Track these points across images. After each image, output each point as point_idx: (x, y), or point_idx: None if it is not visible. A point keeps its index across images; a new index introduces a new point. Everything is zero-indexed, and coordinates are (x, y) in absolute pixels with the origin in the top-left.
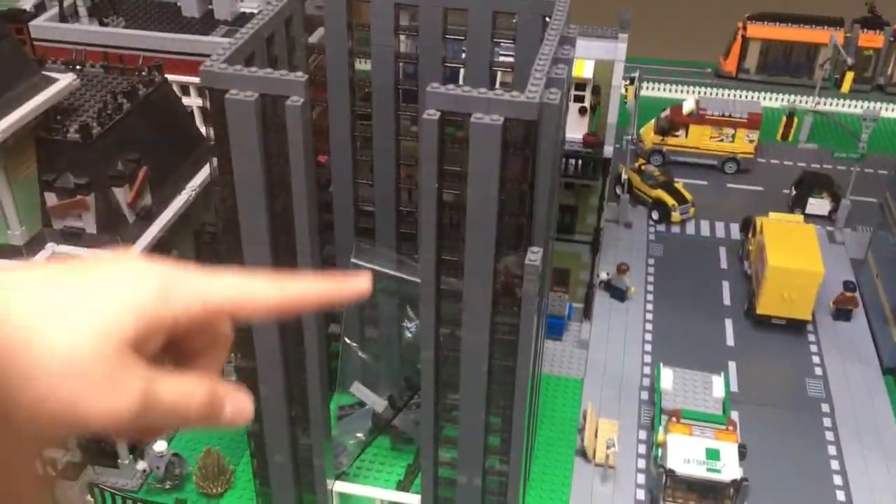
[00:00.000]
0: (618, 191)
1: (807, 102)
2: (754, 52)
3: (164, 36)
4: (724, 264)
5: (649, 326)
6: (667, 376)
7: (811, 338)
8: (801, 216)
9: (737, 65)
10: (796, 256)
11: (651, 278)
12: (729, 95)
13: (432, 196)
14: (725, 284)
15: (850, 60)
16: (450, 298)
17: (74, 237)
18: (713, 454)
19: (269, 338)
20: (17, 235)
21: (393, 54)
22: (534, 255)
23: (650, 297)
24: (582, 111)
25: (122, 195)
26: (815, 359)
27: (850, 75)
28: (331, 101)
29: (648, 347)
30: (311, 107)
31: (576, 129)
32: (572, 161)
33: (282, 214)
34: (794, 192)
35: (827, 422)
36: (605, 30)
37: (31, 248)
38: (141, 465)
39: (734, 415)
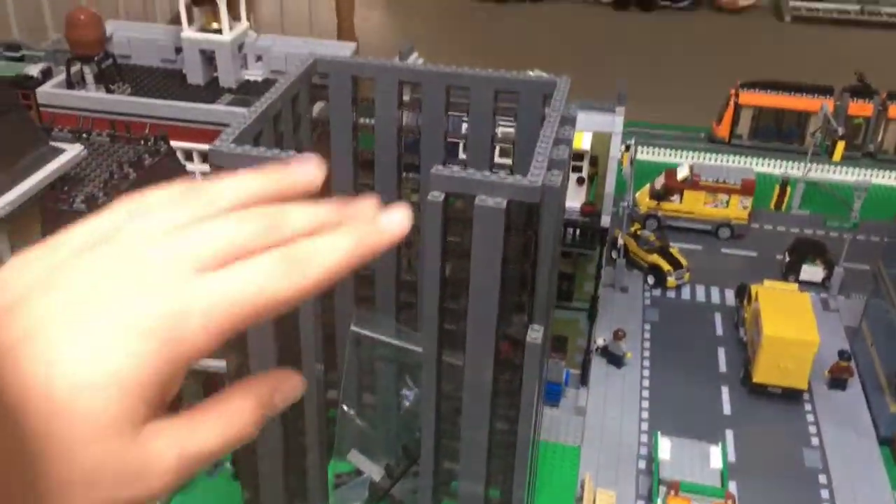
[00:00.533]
0: (614, 255)
1: (798, 170)
2: (746, 118)
3: (170, 104)
4: (719, 331)
5: (646, 393)
6: (664, 446)
7: (807, 407)
8: (796, 284)
9: (730, 130)
10: (792, 325)
11: (647, 343)
12: (723, 161)
13: (435, 274)
14: (721, 351)
15: (840, 130)
16: (451, 371)
17: None
18: None
19: None
20: None
21: (396, 128)
22: (535, 334)
23: (646, 362)
24: (580, 181)
25: None
26: (812, 428)
27: (840, 144)
28: (333, 173)
29: (645, 415)
30: None
31: (574, 199)
32: (570, 230)
33: None
34: (787, 259)
35: (825, 493)
36: (602, 103)
37: None
38: None
39: (732, 486)
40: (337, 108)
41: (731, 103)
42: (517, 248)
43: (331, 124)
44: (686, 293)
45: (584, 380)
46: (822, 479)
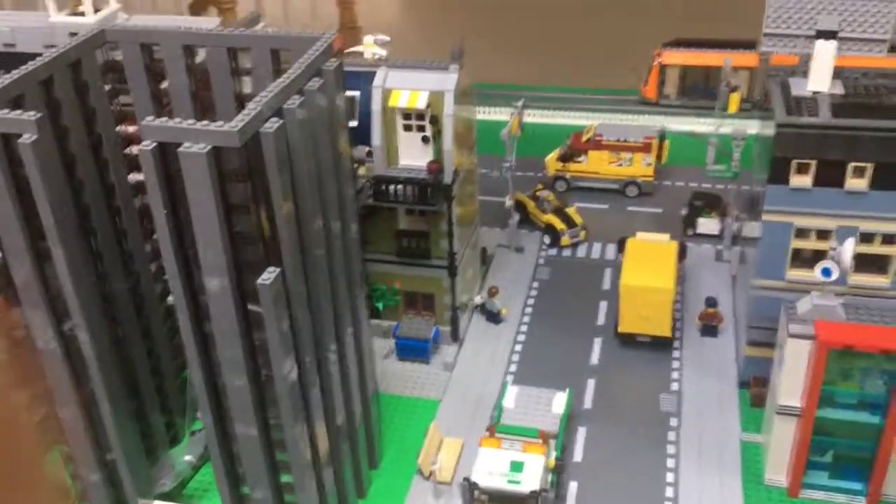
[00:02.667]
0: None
1: (713, 126)
2: (673, 77)
3: None
4: (606, 285)
5: (518, 348)
6: (511, 394)
7: (675, 354)
8: (667, 235)
9: (657, 91)
10: (648, 274)
11: (532, 301)
12: (649, 121)
13: (163, 223)
14: (603, 305)
15: (731, 82)
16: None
17: None
18: (517, 466)
19: (54, 363)
20: None
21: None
22: (267, 275)
23: (526, 318)
24: (425, 140)
25: None
26: (675, 374)
27: (734, 96)
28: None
29: (514, 368)
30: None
31: (420, 158)
32: (412, 188)
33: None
34: (684, 213)
35: (671, 435)
36: (437, 62)
37: None
38: None
39: (581, 431)
40: (132, 75)
41: (656, 64)
42: (243, 194)
43: (130, 91)
44: (582, 251)
45: (454, 336)
46: (674, 421)
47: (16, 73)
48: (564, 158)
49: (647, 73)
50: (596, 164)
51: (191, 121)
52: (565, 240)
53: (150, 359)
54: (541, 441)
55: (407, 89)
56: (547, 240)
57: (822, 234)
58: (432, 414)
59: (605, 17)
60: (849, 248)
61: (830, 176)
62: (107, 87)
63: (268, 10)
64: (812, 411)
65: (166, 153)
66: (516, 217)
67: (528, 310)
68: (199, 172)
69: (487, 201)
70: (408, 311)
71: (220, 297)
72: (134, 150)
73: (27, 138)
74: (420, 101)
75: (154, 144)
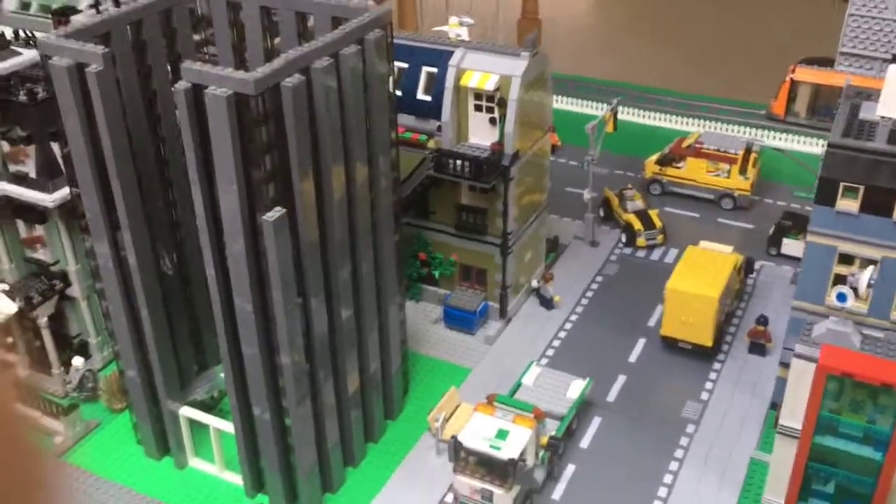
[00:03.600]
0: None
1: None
2: (804, 95)
3: None
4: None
5: (562, 335)
6: (532, 372)
7: (716, 366)
8: (731, 248)
9: (785, 108)
10: (696, 281)
11: (590, 293)
12: (775, 138)
13: (192, 159)
14: (659, 308)
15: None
16: None
17: (20, 179)
18: (502, 434)
19: (110, 279)
20: None
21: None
22: (273, 213)
23: (579, 309)
24: (492, 121)
25: (58, 149)
26: (708, 384)
27: None
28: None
29: (550, 352)
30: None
31: (487, 138)
32: (467, 163)
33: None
34: (771, 232)
35: (684, 441)
36: (512, 48)
37: None
38: (69, 377)
39: (596, 420)
40: (218, 30)
41: (788, 80)
42: (261, 140)
43: (216, 43)
44: (657, 254)
45: (501, 313)
46: (690, 428)
47: (106, 14)
48: (663, 162)
49: (777, 89)
50: (693, 172)
51: (220, 67)
52: (641, 241)
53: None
54: (532, 416)
55: (479, 71)
56: (624, 238)
57: (866, 262)
58: (461, 380)
59: (752, 27)
60: (866, 276)
61: (879, 203)
62: (196, 38)
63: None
64: (808, 435)
65: (199, 95)
66: (594, 211)
67: (584, 301)
68: (220, 113)
69: (572, 192)
70: (462, 283)
71: (231, 223)
72: None
73: (93, 68)
74: (489, 84)
75: (189, 85)
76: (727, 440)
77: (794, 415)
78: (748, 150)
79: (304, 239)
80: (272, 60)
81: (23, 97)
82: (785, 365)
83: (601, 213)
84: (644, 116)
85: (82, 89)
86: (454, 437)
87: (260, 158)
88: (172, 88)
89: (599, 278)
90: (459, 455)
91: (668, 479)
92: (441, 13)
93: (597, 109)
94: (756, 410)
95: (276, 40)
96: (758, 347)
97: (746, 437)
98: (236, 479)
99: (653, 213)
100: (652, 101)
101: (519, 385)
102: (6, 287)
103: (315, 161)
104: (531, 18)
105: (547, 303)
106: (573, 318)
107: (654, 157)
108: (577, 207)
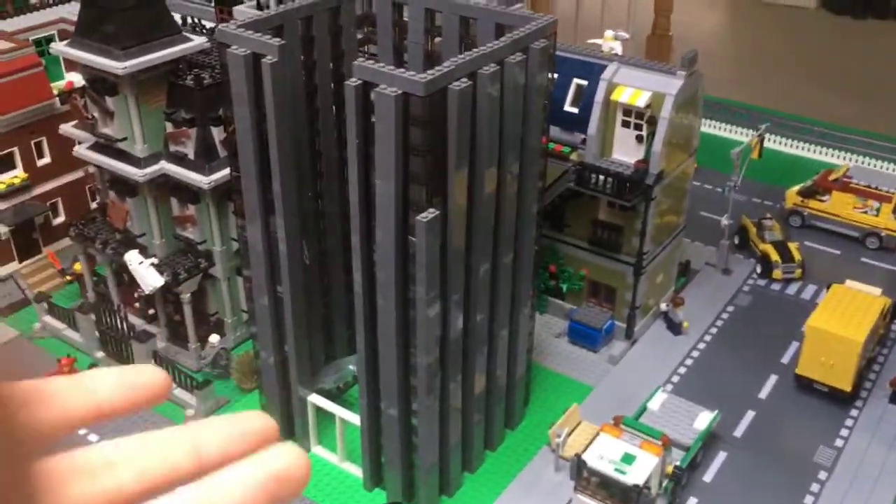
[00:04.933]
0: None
1: None
2: None
3: None
4: (804, 327)
5: (689, 362)
6: (658, 399)
7: (853, 413)
8: (879, 290)
9: None
10: (841, 321)
11: (720, 322)
12: None
13: (353, 152)
14: (794, 346)
15: None
16: None
17: (179, 160)
18: (628, 459)
19: (258, 262)
20: (138, 149)
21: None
22: (427, 215)
23: (707, 338)
24: (639, 139)
25: (217, 134)
26: (844, 431)
27: None
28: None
29: (675, 378)
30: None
31: (632, 155)
32: (608, 179)
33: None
34: None
35: (815, 487)
36: (667, 66)
37: (147, 162)
38: (204, 352)
39: (721, 455)
40: (381, 29)
41: None
42: (424, 140)
43: (378, 42)
44: (792, 289)
45: (628, 334)
46: (822, 475)
47: (282, 7)
48: (806, 194)
49: None
50: (838, 207)
51: (391, 67)
52: (777, 273)
53: (346, 276)
54: (660, 444)
55: (631, 87)
56: (759, 269)
57: None
58: (581, 397)
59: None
60: None
61: None
62: (359, 35)
63: (587, 7)
64: None
65: (368, 93)
66: (730, 238)
67: (713, 330)
68: (387, 111)
69: (707, 217)
70: (589, 300)
71: (387, 224)
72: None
73: (269, 59)
74: (640, 100)
75: (359, 82)
76: (861, 493)
77: None
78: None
79: (451, 240)
80: (435, 63)
81: (189, 81)
82: None
83: (736, 241)
84: (786, 145)
85: (255, 78)
86: (578, 456)
87: (419, 158)
88: (344, 84)
89: (731, 308)
90: (582, 474)
91: None
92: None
93: (735, 133)
94: (894, 464)
95: (437, 40)
96: None
97: (882, 491)
98: (356, 470)
99: (792, 246)
100: (796, 129)
101: (644, 409)
102: (156, 261)
103: (470, 165)
104: (662, 35)
105: (675, 327)
106: (700, 345)
107: (797, 188)
108: (711, 233)
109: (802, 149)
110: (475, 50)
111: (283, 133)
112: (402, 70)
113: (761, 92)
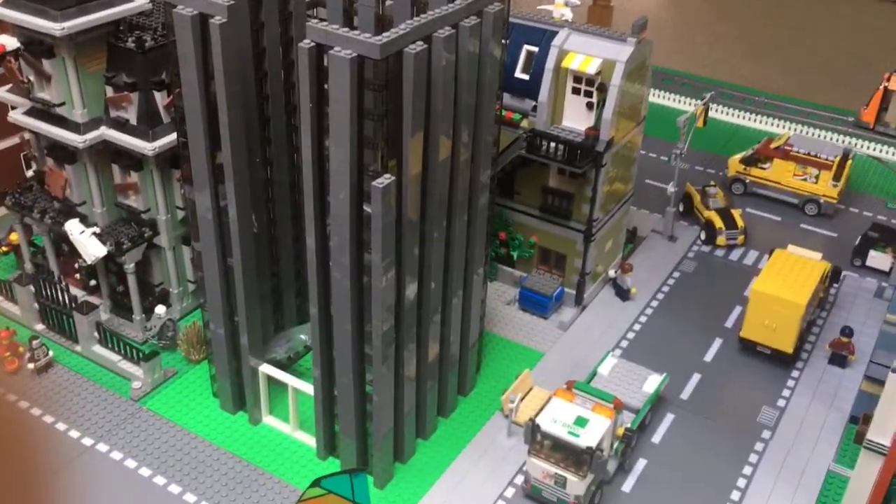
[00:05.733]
0: (679, 207)
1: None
2: None
3: None
4: (748, 292)
5: (637, 327)
6: (608, 363)
7: (794, 374)
8: (819, 255)
9: (875, 116)
10: (783, 285)
11: (666, 288)
12: (862, 147)
13: (307, 117)
14: (737, 310)
15: None
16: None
17: (121, 125)
18: (581, 421)
19: (207, 231)
20: (77, 114)
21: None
22: (382, 180)
23: (654, 303)
24: (589, 105)
25: (160, 98)
26: (786, 392)
27: None
28: None
29: (624, 343)
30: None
31: (582, 122)
32: (559, 146)
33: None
34: (857, 242)
35: (759, 446)
36: (618, 33)
37: (87, 127)
38: (150, 324)
39: (669, 416)
40: None
41: (881, 88)
42: (379, 105)
43: (326, 5)
44: (735, 255)
45: (578, 300)
46: (766, 434)
47: None
48: (748, 162)
49: (870, 97)
50: (779, 174)
51: (345, 28)
52: (721, 240)
53: (295, 245)
54: (612, 406)
55: (582, 53)
56: (703, 236)
57: None
58: (532, 363)
59: (847, 34)
60: None
61: None
62: None
63: None
64: None
65: (321, 55)
66: (675, 206)
67: (660, 296)
68: (342, 74)
69: (653, 185)
70: (540, 267)
71: (340, 187)
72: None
73: (217, 20)
74: (591, 67)
75: (312, 44)
76: (803, 450)
77: (883, 431)
78: (845, 157)
79: (406, 207)
80: (386, 27)
81: (131, 44)
82: (871, 379)
83: (681, 209)
84: (729, 114)
85: (202, 40)
86: (532, 420)
87: (373, 123)
88: (298, 46)
89: (676, 274)
90: (536, 438)
91: (741, 482)
92: None
93: (679, 103)
94: (834, 422)
95: (388, 4)
96: (838, 359)
97: (823, 448)
98: (309, 440)
99: (735, 213)
100: (738, 99)
101: (595, 374)
102: (97, 230)
103: (424, 130)
104: (603, 6)
105: (623, 293)
106: (648, 311)
107: (739, 157)
108: (656, 200)
109: (744, 118)
110: (429, 13)
111: (232, 97)
112: (357, 32)
113: (703, 62)
